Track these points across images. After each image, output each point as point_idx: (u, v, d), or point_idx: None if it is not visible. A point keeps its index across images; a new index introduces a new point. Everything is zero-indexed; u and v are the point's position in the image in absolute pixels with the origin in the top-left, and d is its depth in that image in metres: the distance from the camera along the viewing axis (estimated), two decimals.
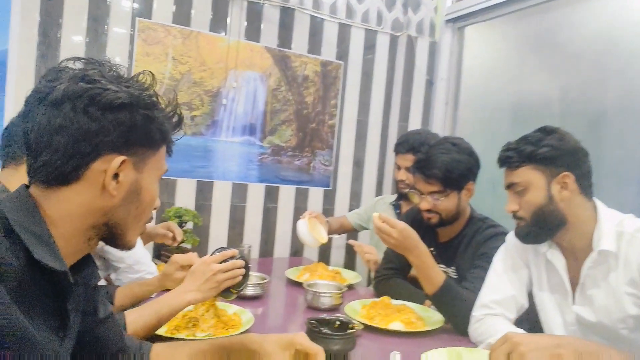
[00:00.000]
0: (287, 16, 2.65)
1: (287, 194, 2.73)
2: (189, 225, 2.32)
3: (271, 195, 2.69)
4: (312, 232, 1.96)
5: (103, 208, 0.74)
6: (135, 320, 1.13)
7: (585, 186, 1.27)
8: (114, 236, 0.79)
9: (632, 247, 1.19)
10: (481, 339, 1.35)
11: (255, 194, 2.65)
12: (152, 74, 0.80)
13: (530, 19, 2.56)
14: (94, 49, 2.20)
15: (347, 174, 2.91)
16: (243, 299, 1.65)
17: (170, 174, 2.33)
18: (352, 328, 1.27)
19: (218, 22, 2.47)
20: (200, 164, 2.48)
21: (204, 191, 2.51)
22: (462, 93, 2.99)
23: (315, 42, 2.75)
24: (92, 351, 0.88)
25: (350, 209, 2.86)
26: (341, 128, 2.87)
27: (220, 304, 1.43)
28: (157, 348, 1.01)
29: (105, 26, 2.24)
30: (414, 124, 2.99)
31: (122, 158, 0.72)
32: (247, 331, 1.34)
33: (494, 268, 1.46)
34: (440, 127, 2.94)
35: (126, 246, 0.81)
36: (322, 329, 1.25)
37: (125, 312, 1.14)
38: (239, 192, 2.60)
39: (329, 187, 2.85)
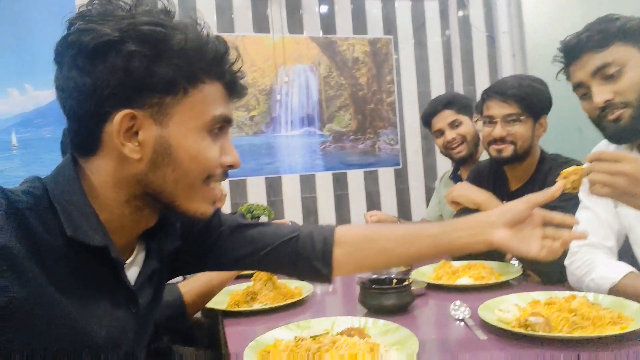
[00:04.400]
0: (326, 2, 2.65)
1: (356, 179, 2.70)
2: (263, 219, 2.39)
3: (340, 183, 2.68)
4: None
5: (135, 175, 0.63)
6: (189, 290, 1.18)
7: None
8: (170, 207, 0.67)
9: None
10: (576, 279, 1.20)
11: (324, 183, 2.65)
12: None
13: None
14: None
15: (417, 150, 2.80)
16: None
17: (239, 173, 2.43)
18: (407, 283, 1.21)
19: (260, 22, 2.55)
20: (266, 160, 2.55)
21: (273, 187, 2.57)
22: (527, 43, 2.75)
23: (359, 22, 2.72)
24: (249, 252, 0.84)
25: (426, 185, 2.75)
26: (402, 104, 2.79)
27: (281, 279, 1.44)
28: (344, 228, 0.89)
29: None
30: (481, 84, 2.81)
31: (125, 112, 0.60)
32: (304, 300, 1.33)
33: (580, 199, 1.30)
34: None
35: (195, 216, 0.68)
36: (373, 285, 1.21)
37: (179, 284, 1.20)
38: (308, 184, 2.63)
39: (399, 165, 2.77)
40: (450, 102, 2.01)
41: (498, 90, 1.59)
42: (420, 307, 1.21)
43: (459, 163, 2.10)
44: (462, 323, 1.06)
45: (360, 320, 1.04)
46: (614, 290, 1.10)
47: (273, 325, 1.09)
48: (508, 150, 1.57)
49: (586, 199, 1.28)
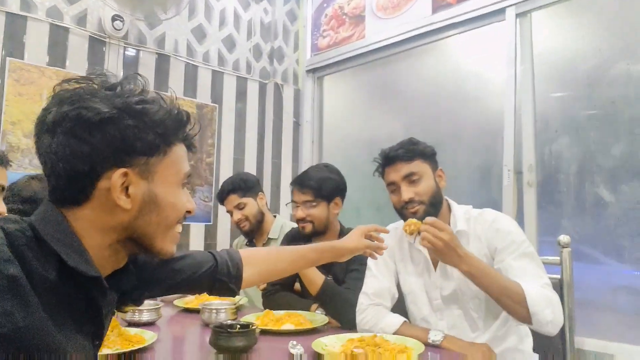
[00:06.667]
0: (162, 62, 2.80)
1: None
2: None
3: None
4: None
5: (122, 223, 0.74)
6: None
7: None
8: (144, 248, 0.78)
9: (478, 225, 1.58)
10: (368, 327, 1.61)
11: None
12: (142, 76, 0.79)
13: (375, 70, 3.10)
14: None
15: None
16: (138, 325, 1.68)
17: None
18: (252, 326, 1.44)
19: (95, 66, 2.52)
20: None
21: None
22: (324, 132, 3.41)
23: (190, 86, 2.94)
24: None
25: (231, 243, 3.00)
26: (219, 166, 3.05)
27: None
28: (246, 253, 1.19)
29: None
30: (286, 160, 3.30)
31: (122, 171, 0.72)
32: (148, 347, 1.41)
33: (369, 268, 1.75)
34: (308, 162, 3.29)
35: (160, 255, 0.80)
36: (227, 329, 1.40)
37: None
38: None
39: (210, 222, 2.97)
40: (234, 188, 2.41)
41: (298, 182, 2.03)
42: (262, 348, 1.45)
43: (247, 235, 2.50)
44: (300, 358, 1.34)
45: None
46: (395, 334, 1.56)
47: None
48: (309, 227, 2.00)
49: (374, 268, 1.75)
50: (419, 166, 1.59)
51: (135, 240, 0.77)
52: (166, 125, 0.76)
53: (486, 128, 2.55)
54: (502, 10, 2.44)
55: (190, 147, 0.83)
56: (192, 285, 1.08)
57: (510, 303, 1.41)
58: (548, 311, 1.38)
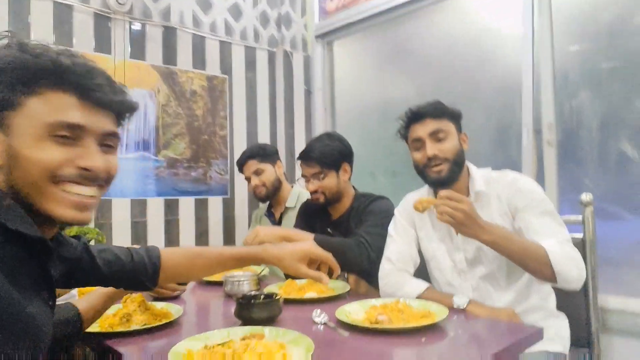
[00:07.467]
0: (169, 35, 2.75)
1: (187, 206, 2.81)
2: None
3: (171, 208, 2.75)
4: None
5: (2, 181, 0.73)
6: (86, 307, 1.21)
7: None
8: (34, 210, 0.74)
9: (498, 186, 1.57)
10: (391, 292, 1.62)
11: (155, 208, 2.68)
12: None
13: (386, 32, 3.00)
14: None
15: (243, 182, 3.05)
16: (164, 299, 1.71)
17: None
18: (276, 296, 1.46)
19: (102, 43, 2.49)
20: None
21: (102, 210, 2.48)
22: (337, 99, 3.35)
23: (198, 58, 2.89)
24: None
25: (249, 214, 3.02)
26: (233, 138, 3.03)
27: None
28: (166, 253, 1.16)
29: None
30: (299, 130, 3.27)
31: None
32: (175, 321, 1.44)
33: (389, 235, 1.75)
34: (321, 130, 3.25)
35: (57, 219, 0.76)
36: (251, 300, 1.42)
37: (73, 301, 1.21)
38: (139, 208, 2.62)
39: (227, 194, 2.99)
40: (253, 154, 2.48)
41: (303, 156, 2.04)
42: (286, 318, 1.47)
43: (263, 201, 2.58)
44: (324, 326, 1.36)
45: (252, 328, 1.25)
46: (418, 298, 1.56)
47: (158, 343, 1.23)
48: (322, 198, 2.03)
49: (395, 234, 1.75)
50: (446, 125, 1.59)
51: (21, 202, 0.73)
52: (10, 75, 0.71)
53: (503, 87, 2.48)
54: None
55: (85, 96, 0.75)
56: (113, 280, 1.10)
57: (534, 265, 1.41)
58: (572, 268, 1.39)
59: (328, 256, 1.24)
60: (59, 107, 0.73)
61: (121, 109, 0.82)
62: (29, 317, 0.68)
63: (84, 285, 1.10)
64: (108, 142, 0.81)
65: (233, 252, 1.23)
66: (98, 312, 1.24)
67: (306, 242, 1.25)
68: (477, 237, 1.41)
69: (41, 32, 2.30)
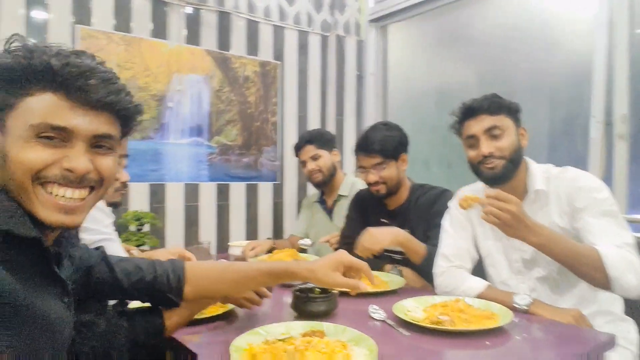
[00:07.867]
0: (224, 20, 2.75)
1: (237, 191, 2.83)
2: (146, 228, 2.35)
3: (222, 193, 2.78)
4: None
5: None
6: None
7: None
8: (26, 211, 0.74)
9: (559, 183, 1.48)
10: (449, 290, 1.57)
11: (207, 193, 2.72)
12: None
13: (444, 16, 2.88)
14: None
15: (293, 168, 3.06)
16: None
17: None
18: (332, 291, 1.43)
19: (158, 28, 2.52)
20: (152, 167, 2.51)
21: (157, 194, 2.54)
22: (389, 85, 3.27)
23: (252, 43, 2.88)
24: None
25: (298, 201, 3.02)
26: (283, 125, 3.02)
27: None
28: (192, 266, 1.14)
29: (45, 35, 2.21)
30: (349, 116, 3.22)
31: None
32: (231, 312, 1.42)
33: (444, 229, 1.69)
34: (372, 117, 3.19)
35: (44, 222, 0.75)
36: (308, 294, 1.41)
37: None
38: (192, 192, 2.66)
39: (277, 181, 2.99)
40: (312, 139, 2.47)
41: (362, 147, 1.97)
42: (342, 312, 1.45)
43: (318, 187, 2.54)
44: (383, 323, 1.33)
45: (311, 324, 1.23)
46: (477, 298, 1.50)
47: (213, 334, 1.23)
48: (383, 189, 1.97)
49: (451, 229, 1.68)
50: (502, 120, 1.50)
51: (17, 203, 0.74)
52: (7, 77, 0.72)
53: (570, 74, 2.33)
54: None
55: (75, 97, 0.74)
56: (134, 293, 1.09)
57: (586, 270, 1.33)
58: (630, 275, 1.29)
59: (363, 264, 1.18)
60: (45, 108, 0.72)
61: (119, 110, 0.80)
62: (38, 310, 0.70)
63: (105, 298, 1.09)
64: (102, 143, 0.79)
65: (262, 268, 1.19)
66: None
67: (338, 251, 1.19)
68: (524, 239, 1.34)
69: (102, 18, 2.34)
